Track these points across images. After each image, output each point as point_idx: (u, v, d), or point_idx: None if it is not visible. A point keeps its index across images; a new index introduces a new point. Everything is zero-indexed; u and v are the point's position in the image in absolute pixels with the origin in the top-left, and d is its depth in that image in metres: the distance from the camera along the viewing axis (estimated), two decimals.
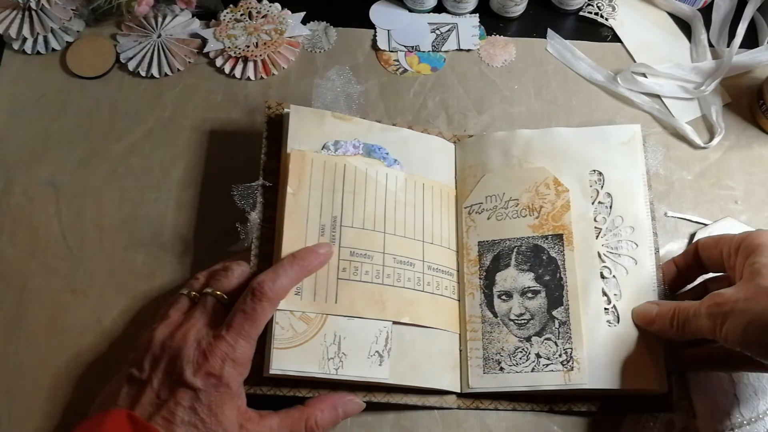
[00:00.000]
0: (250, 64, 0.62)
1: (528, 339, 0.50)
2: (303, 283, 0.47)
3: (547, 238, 0.52)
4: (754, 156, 0.60)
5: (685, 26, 0.67)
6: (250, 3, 0.65)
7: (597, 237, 0.52)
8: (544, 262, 0.51)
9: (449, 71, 0.64)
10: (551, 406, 0.50)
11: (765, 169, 0.60)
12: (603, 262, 0.51)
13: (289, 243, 0.48)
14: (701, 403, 0.50)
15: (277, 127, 0.53)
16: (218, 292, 0.46)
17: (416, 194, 0.53)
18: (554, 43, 0.65)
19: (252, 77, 0.62)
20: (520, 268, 0.52)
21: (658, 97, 0.63)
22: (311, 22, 0.65)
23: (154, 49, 0.62)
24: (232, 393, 0.42)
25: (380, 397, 0.49)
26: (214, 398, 0.42)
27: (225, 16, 0.64)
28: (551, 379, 0.48)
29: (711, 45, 0.65)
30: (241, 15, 0.64)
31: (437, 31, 0.65)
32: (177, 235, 0.56)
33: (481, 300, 0.52)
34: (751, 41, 0.65)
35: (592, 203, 0.53)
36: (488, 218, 0.54)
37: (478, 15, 0.66)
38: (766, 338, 0.39)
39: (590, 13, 0.66)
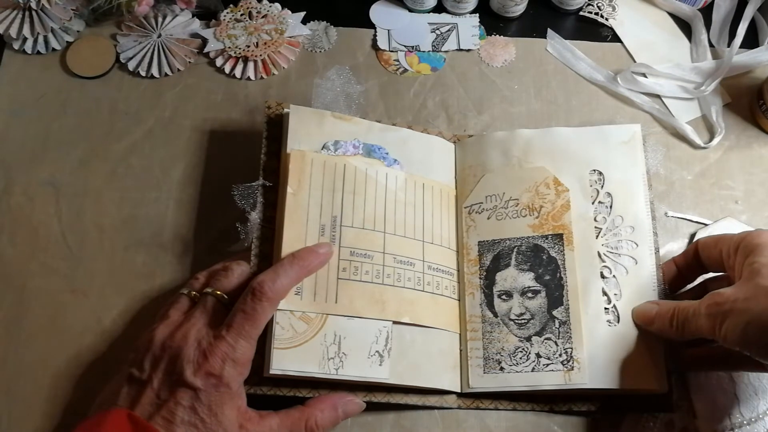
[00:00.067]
0: (250, 64, 0.62)
1: (528, 339, 0.50)
2: (303, 283, 0.47)
3: (547, 238, 0.52)
4: (754, 156, 0.60)
5: (685, 26, 0.67)
6: (250, 3, 0.65)
7: (597, 237, 0.52)
8: (544, 261, 0.51)
9: (449, 71, 0.64)
10: (551, 406, 0.50)
11: (765, 169, 0.60)
12: (603, 261, 0.51)
13: (289, 243, 0.48)
14: (701, 403, 0.50)
15: (277, 127, 0.53)
16: (218, 292, 0.46)
17: (416, 194, 0.53)
18: (554, 43, 0.65)
19: (252, 77, 0.62)
20: (520, 268, 0.52)
21: (658, 97, 0.63)
22: (311, 22, 0.65)
23: (154, 49, 0.62)
24: (232, 393, 0.42)
25: (380, 397, 0.49)
26: (214, 398, 0.42)
27: (225, 16, 0.64)
28: (551, 379, 0.48)
29: (711, 45, 0.65)
30: (241, 15, 0.64)
31: (437, 31, 0.65)
32: (177, 235, 0.56)
33: (481, 300, 0.52)
34: (751, 41, 0.65)
35: (592, 203, 0.53)
36: (488, 218, 0.54)
37: (478, 15, 0.66)
38: (765, 338, 0.39)
39: (590, 13, 0.66)
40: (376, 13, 0.66)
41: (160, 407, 0.41)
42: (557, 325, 0.50)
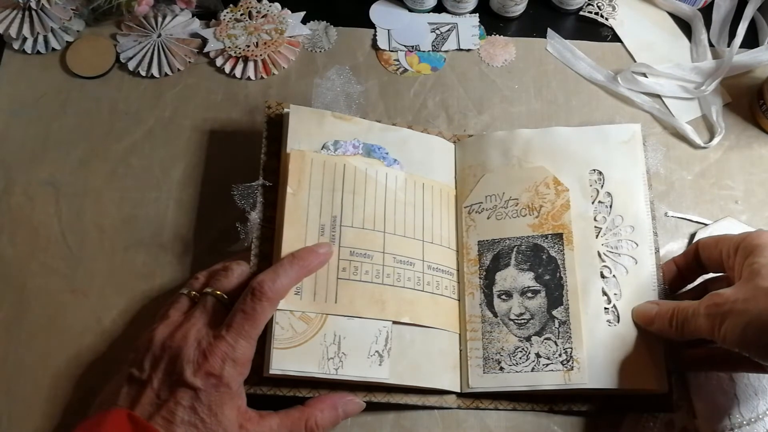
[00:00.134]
0: (250, 64, 0.62)
1: (528, 339, 0.50)
2: (303, 282, 0.47)
3: (546, 238, 0.52)
4: (754, 156, 0.60)
5: (685, 26, 0.67)
6: (250, 3, 0.65)
7: (597, 236, 0.52)
8: (544, 261, 0.51)
9: (449, 71, 0.64)
10: (551, 405, 0.50)
11: (765, 169, 0.60)
12: (603, 261, 0.51)
13: (289, 243, 0.48)
14: (701, 403, 0.50)
15: (277, 126, 0.53)
16: (218, 292, 0.46)
17: (416, 194, 0.53)
18: (554, 42, 0.65)
19: (252, 77, 0.62)
20: (519, 268, 0.52)
21: (659, 96, 0.63)
22: (311, 22, 0.65)
23: (154, 49, 0.62)
24: (232, 393, 0.42)
25: (380, 397, 0.49)
26: (214, 398, 0.42)
27: (225, 15, 0.64)
28: (551, 379, 0.48)
29: (711, 45, 0.65)
30: (241, 15, 0.64)
31: (437, 31, 0.65)
32: (177, 235, 0.56)
33: (480, 300, 0.52)
34: (751, 41, 0.65)
35: (592, 202, 0.53)
36: (488, 218, 0.54)
37: (478, 15, 0.66)
38: (764, 339, 0.39)
39: (590, 12, 0.66)
40: (376, 13, 0.66)
41: (160, 407, 0.41)
42: (557, 324, 0.50)
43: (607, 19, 0.66)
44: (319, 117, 0.53)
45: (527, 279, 0.51)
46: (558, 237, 0.52)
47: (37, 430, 0.49)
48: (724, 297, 0.42)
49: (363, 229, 0.50)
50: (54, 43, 0.62)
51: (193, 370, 0.42)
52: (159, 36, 0.63)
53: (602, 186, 0.53)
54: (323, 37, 0.65)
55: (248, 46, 0.62)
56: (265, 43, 0.63)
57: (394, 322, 0.49)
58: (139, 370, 0.43)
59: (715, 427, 0.50)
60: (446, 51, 0.64)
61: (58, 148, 0.59)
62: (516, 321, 0.50)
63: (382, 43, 0.64)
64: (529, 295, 0.51)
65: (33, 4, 0.60)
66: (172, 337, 0.43)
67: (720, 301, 0.42)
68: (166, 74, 0.62)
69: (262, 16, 0.64)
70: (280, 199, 0.50)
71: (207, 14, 0.65)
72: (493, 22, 0.66)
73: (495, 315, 0.51)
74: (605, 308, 0.50)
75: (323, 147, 0.52)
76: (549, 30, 0.65)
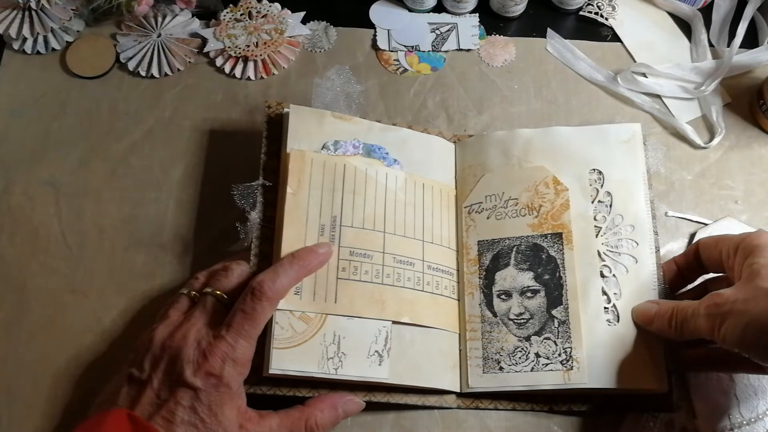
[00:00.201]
0: (250, 64, 0.62)
1: (527, 338, 0.50)
2: (302, 282, 0.47)
3: (546, 237, 0.52)
4: (754, 156, 0.60)
5: (685, 26, 0.67)
6: (250, 3, 0.65)
7: (597, 236, 0.52)
8: (544, 261, 0.51)
9: (449, 71, 0.64)
10: (551, 405, 0.50)
11: (765, 169, 0.60)
12: (603, 261, 0.51)
13: (289, 243, 0.48)
14: (701, 403, 0.50)
15: (277, 126, 0.53)
16: (218, 292, 0.46)
17: (416, 194, 0.53)
18: (554, 42, 0.65)
19: (252, 77, 0.62)
20: (519, 268, 0.52)
21: (658, 97, 0.63)
22: (311, 22, 0.65)
23: (154, 49, 0.62)
24: (232, 393, 0.42)
25: (380, 397, 0.49)
26: (214, 398, 0.42)
27: (225, 15, 0.64)
28: (551, 379, 0.48)
29: (711, 45, 0.65)
30: (241, 15, 0.64)
31: (437, 31, 0.65)
32: (177, 235, 0.56)
33: (480, 299, 0.52)
34: (751, 41, 0.65)
35: (592, 202, 0.53)
36: (488, 218, 0.54)
37: (477, 15, 0.66)
38: (764, 340, 0.39)
39: (590, 12, 0.66)
40: (376, 13, 0.66)
41: (160, 407, 0.41)
42: (556, 324, 0.50)
43: (607, 19, 0.66)
44: (319, 117, 0.53)
45: (527, 279, 0.51)
46: (557, 236, 0.52)
47: (37, 430, 0.49)
48: (724, 297, 0.42)
49: (363, 229, 0.50)
50: (54, 43, 0.62)
51: (193, 370, 0.42)
52: (159, 36, 0.63)
53: (602, 185, 0.53)
54: (323, 37, 0.65)
55: (248, 46, 0.62)
56: (265, 43, 0.63)
57: (394, 322, 0.49)
58: (139, 370, 0.43)
59: (715, 427, 0.50)
60: (446, 51, 0.64)
61: (58, 148, 0.59)
62: (515, 321, 0.50)
63: (382, 43, 0.64)
64: (529, 294, 0.51)
65: (33, 4, 0.60)
66: (172, 337, 0.43)
67: (720, 301, 0.42)
68: (166, 74, 0.62)
69: (262, 16, 0.64)
70: (280, 199, 0.50)
71: (207, 14, 0.65)
72: (493, 22, 0.66)
73: (494, 315, 0.51)
74: (605, 308, 0.50)
75: (323, 147, 0.52)
76: (549, 30, 0.65)
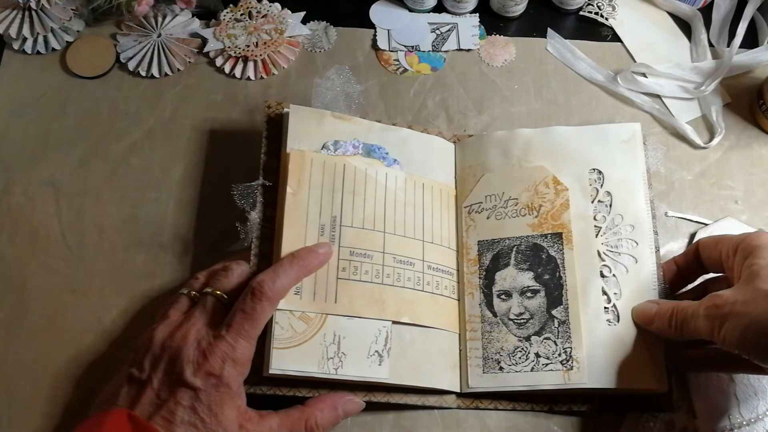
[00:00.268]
0: (250, 64, 0.62)
1: (527, 338, 0.50)
2: (303, 282, 0.47)
3: (546, 237, 0.52)
4: (754, 156, 0.60)
5: (685, 26, 0.67)
6: (250, 3, 0.65)
7: (597, 235, 0.52)
8: (544, 261, 0.51)
9: (449, 71, 0.64)
10: (551, 405, 0.50)
11: (765, 169, 0.60)
12: (603, 260, 0.51)
13: (289, 243, 0.48)
14: (701, 403, 0.50)
15: (277, 126, 0.53)
16: (218, 292, 0.46)
17: (416, 194, 0.53)
18: (554, 42, 0.65)
19: (252, 77, 0.62)
20: (519, 268, 0.52)
21: (658, 97, 0.63)
22: (311, 22, 0.65)
23: (154, 49, 0.62)
24: (232, 393, 0.42)
25: (380, 397, 0.49)
26: (214, 398, 0.42)
27: (225, 15, 0.64)
28: (551, 379, 0.48)
29: (711, 45, 0.65)
30: (241, 15, 0.64)
31: (437, 31, 0.65)
32: (177, 235, 0.56)
33: (480, 299, 0.52)
34: (751, 41, 0.65)
35: (592, 202, 0.53)
36: (488, 217, 0.54)
37: (478, 15, 0.66)
38: (763, 341, 0.39)
39: (590, 12, 0.66)
40: (376, 13, 0.66)
41: (160, 407, 0.41)
42: (556, 324, 0.50)
43: (607, 19, 0.66)
44: (318, 117, 0.53)
45: (527, 279, 0.51)
46: (557, 236, 0.52)
47: (37, 430, 0.49)
48: (723, 299, 0.42)
49: (363, 229, 0.50)
50: (54, 43, 0.62)
51: (192, 370, 0.42)
52: (159, 36, 0.63)
53: (602, 185, 0.53)
54: (323, 37, 0.65)
55: (248, 46, 0.62)
56: (265, 43, 0.63)
57: (394, 322, 0.49)
58: (139, 370, 0.43)
59: (714, 427, 0.50)
60: (446, 51, 0.64)
61: (58, 148, 0.59)
62: (515, 321, 0.50)
63: (382, 43, 0.64)
64: (529, 294, 0.51)
65: (33, 4, 0.60)
66: (172, 337, 0.43)
67: (719, 302, 0.42)
68: (166, 74, 0.62)
69: (262, 16, 0.64)
70: (279, 199, 0.50)
71: (207, 14, 0.65)
72: (493, 22, 0.66)
73: (494, 315, 0.51)
74: (605, 308, 0.50)
75: (323, 147, 0.52)
76: (549, 30, 0.65)
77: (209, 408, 0.41)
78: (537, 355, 0.49)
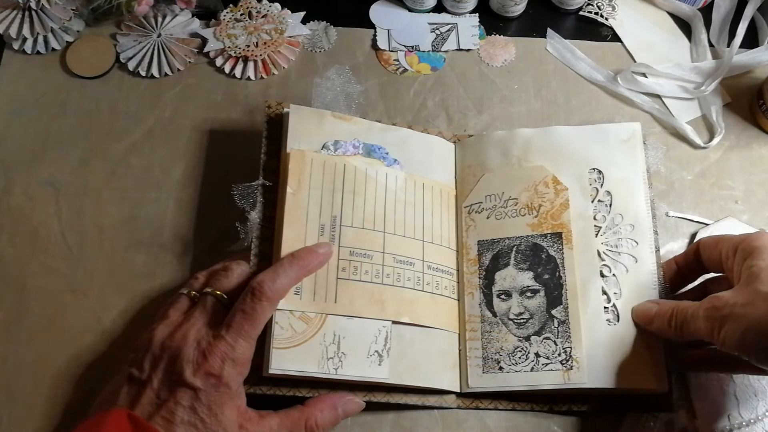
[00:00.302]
0: (250, 64, 0.62)
1: (527, 338, 0.50)
2: (302, 282, 0.47)
3: (546, 237, 0.52)
4: (754, 156, 0.60)
5: (685, 26, 0.67)
6: (250, 3, 0.65)
7: (597, 235, 0.52)
8: (543, 260, 0.51)
9: (449, 71, 0.64)
10: (551, 405, 0.50)
11: (765, 169, 0.60)
12: (602, 260, 0.51)
13: (289, 242, 0.48)
14: (701, 403, 0.50)
15: (277, 126, 0.53)
16: (218, 292, 0.46)
17: (416, 194, 0.53)
18: (554, 42, 0.65)
19: (252, 77, 0.62)
20: (519, 267, 0.52)
21: (658, 97, 0.63)
22: (311, 22, 0.65)
23: (154, 49, 0.62)
24: (232, 393, 0.42)
25: (380, 397, 0.49)
26: (213, 398, 0.42)
27: (225, 15, 0.64)
28: (550, 379, 0.48)
29: (711, 45, 0.65)
30: (241, 15, 0.64)
31: (437, 31, 0.65)
32: (177, 235, 0.56)
33: (480, 299, 0.52)
34: (751, 41, 0.65)
35: (592, 201, 0.53)
36: (488, 217, 0.54)
37: (477, 15, 0.66)
38: (763, 343, 0.39)
39: (590, 12, 0.66)
40: (375, 13, 0.66)
41: (160, 407, 0.41)
42: (556, 324, 0.50)
43: (607, 19, 0.66)
44: (319, 117, 0.53)
45: (526, 278, 0.51)
46: (557, 236, 0.52)
47: (37, 430, 0.49)
48: (723, 300, 0.42)
49: (363, 229, 0.50)
50: (54, 43, 0.62)
51: (192, 370, 0.42)
52: (159, 36, 0.63)
53: (602, 185, 0.53)
54: (323, 37, 0.65)
55: (248, 46, 0.62)
56: (265, 43, 0.63)
57: (394, 322, 0.49)
58: (139, 370, 0.43)
59: (714, 427, 0.50)
60: (446, 51, 0.64)
61: (58, 148, 0.59)
62: (515, 321, 0.50)
63: (382, 43, 0.64)
64: (529, 294, 0.51)
65: (33, 4, 0.60)
66: (172, 337, 0.43)
67: (719, 304, 0.42)
68: (166, 74, 0.62)
69: (262, 16, 0.64)
70: (279, 199, 0.50)
71: (207, 14, 0.65)
72: (493, 22, 0.66)
73: (494, 315, 0.51)
74: (605, 307, 0.50)
75: (323, 147, 0.52)
76: (549, 30, 0.65)
77: (209, 408, 0.41)
78: (537, 355, 0.49)
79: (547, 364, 0.49)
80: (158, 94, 0.61)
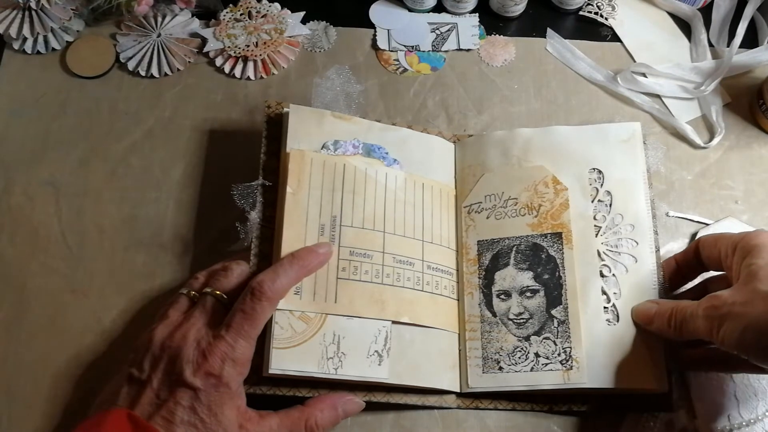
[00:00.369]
0: (250, 64, 0.62)
1: (527, 338, 0.50)
2: (302, 282, 0.47)
3: (546, 237, 0.52)
4: (754, 156, 0.60)
5: (685, 26, 0.67)
6: (249, 2, 0.65)
7: (596, 235, 0.52)
8: (543, 260, 0.51)
9: (449, 71, 0.64)
10: (551, 405, 0.50)
11: (765, 169, 0.60)
12: (602, 260, 0.51)
13: (289, 242, 0.48)
14: (701, 403, 0.50)
15: (277, 126, 0.53)
16: (218, 292, 0.46)
17: (416, 194, 0.53)
18: (554, 42, 0.65)
19: (252, 77, 0.62)
20: (519, 267, 0.52)
21: (658, 96, 0.63)
22: (311, 22, 0.65)
23: (153, 49, 0.62)
24: (232, 393, 0.42)
25: (380, 397, 0.49)
26: (213, 398, 0.42)
27: (225, 15, 0.64)
28: (550, 379, 0.48)
29: (711, 45, 0.65)
30: (241, 14, 0.64)
31: (437, 31, 0.65)
32: (177, 235, 0.56)
33: (480, 299, 0.52)
34: (751, 41, 0.65)
35: (592, 201, 0.53)
36: (487, 217, 0.54)
37: (477, 15, 0.66)
38: (762, 342, 0.39)
39: (590, 12, 0.66)
40: (375, 12, 0.66)
41: (160, 407, 0.41)
42: (556, 324, 0.50)
43: (606, 18, 0.66)
44: (318, 117, 0.53)
45: (526, 278, 0.51)
46: (557, 236, 0.52)
47: (37, 430, 0.49)
48: (722, 299, 0.42)
49: (363, 229, 0.50)
50: (54, 43, 0.62)
51: (192, 370, 0.42)
52: (159, 36, 0.63)
53: (602, 185, 0.53)
54: (323, 37, 0.65)
55: (248, 46, 0.62)
56: (264, 43, 0.63)
57: (394, 322, 0.49)
58: (139, 370, 0.43)
59: (714, 427, 0.50)
60: (446, 51, 0.64)
61: (58, 148, 0.59)
62: (515, 321, 0.50)
63: (381, 43, 0.64)
64: (528, 294, 0.51)
65: (33, 4, 0.60)
66: (172, 337, 0.43)
67: (718, 303, 0.42)
68: (166, 74, 0.62)
69: (262, 16, 0.64)
70: (279, 199, 0.50)
71: (207, 14, 0.65)
72: (492, 22, 0.66)
73: (494, 315, 0.51)
74: (605, 307, 0.50)
75: (323, 147, 0.52)
76: (549, 30, 0.65)
77: (209, 408, 0.41)
78: (536, 355, 0.49)
79: (546, 364, 0.49)
80: (158, 94, 0.61)
